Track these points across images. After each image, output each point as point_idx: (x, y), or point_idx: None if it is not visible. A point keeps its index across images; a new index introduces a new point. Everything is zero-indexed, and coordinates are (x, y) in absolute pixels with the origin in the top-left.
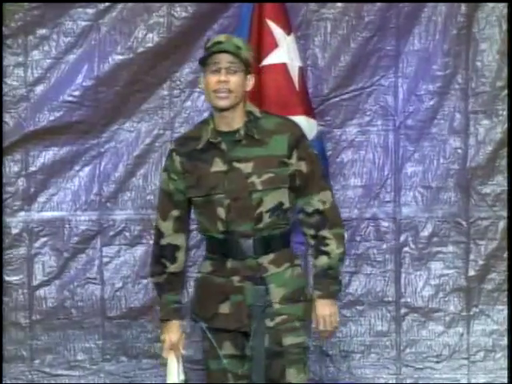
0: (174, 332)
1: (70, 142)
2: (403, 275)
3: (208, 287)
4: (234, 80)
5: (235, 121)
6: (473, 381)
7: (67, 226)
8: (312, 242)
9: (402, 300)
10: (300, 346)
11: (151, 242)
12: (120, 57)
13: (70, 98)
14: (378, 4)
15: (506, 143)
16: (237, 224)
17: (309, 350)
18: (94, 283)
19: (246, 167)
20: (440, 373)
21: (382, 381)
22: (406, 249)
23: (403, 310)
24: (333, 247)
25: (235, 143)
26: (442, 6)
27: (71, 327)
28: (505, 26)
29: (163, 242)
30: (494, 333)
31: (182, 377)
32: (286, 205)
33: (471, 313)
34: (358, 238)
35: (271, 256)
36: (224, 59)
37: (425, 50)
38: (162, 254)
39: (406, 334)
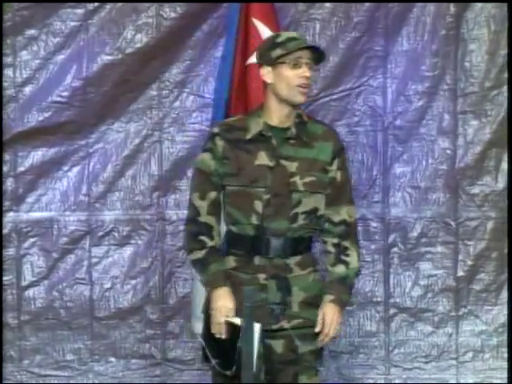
0: (228, 298)
1: (59, 142)
2: (392, 275)
3: (232, 283)
4: (311, 76)
5: (289, 118)
6: (461, 381)
7: (56, 226)
8: (332, 249)
9: (391, 300)
10: (313, 352)
11: (139, 242)
12: (109, 57)
13: (59, 99)
14: (367, 4)
15: (495, 144)
16: (271, 220)
17: (322, 356)
18: (82, 283)
19: (291, 166)
20: (429, 373)
21: (371, 381)
22: (395, 249)
23: (392, 311)
24: (353, 259)
25: (285, 140)
26: (431, 7)
27: (60, 328)
28: (493, 27)
29: (201, 219)
30: (483, 333)
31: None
32: (321, 211)
33: (460, 313)
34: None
35: (298, 258)
36: (305, 55)
37: (413, 50)
38: (201, 230)
39: (395, 334)
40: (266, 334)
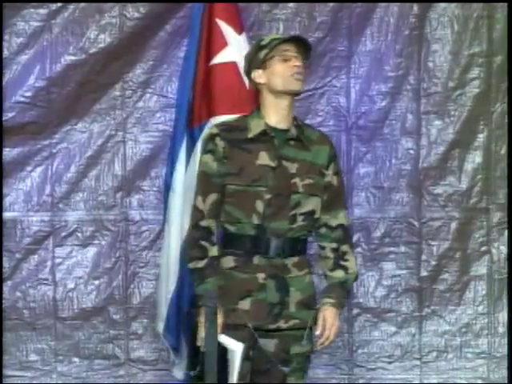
0: (219, 317)
1: (22, 142)
2: None
3: (229, 283)
4: (302, 67)
5: (287, 119)
6: (425, 381)
7: (19, 226)
8: (331, 255)
9: (355, 300)
10: (304, 355)
11: (103, 242)
12: (72, 57)
13: (22, 99)
14: (330, 5)
15: (459, 144)
16: (272, 220)
17: (311, 358)
18: (46, 284)
19: (292, 167)
20: (392, 373)
21: (335, 381)
22: (359, 249)
23: (355, 311)
24: (352, 264)
25: (286, 141)
26: (394, 7)
27: (23, 328)
28: (456, 27)
29: (204, 223)
30: (446, 333)
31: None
32: (317, 214)
33: (423, 313)
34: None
35: (296, 259)
36: (292, 48)
37: (377, 50)
38: (203, 236)
39: (359, 334)
40: (261, 333)
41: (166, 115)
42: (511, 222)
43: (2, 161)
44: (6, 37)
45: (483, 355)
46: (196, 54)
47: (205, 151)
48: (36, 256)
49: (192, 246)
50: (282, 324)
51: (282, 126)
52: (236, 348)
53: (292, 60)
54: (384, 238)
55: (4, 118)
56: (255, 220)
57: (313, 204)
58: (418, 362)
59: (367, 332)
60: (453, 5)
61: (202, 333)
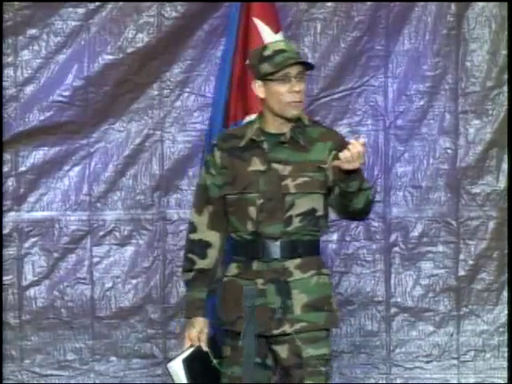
0: (194, 328)
1: (60, 141)
2: (393, 275)
3: (233, 290)
4: (303, 88)
5: (285, 124)
6: (463, 381)
7: (57, 225)
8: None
9: (392, 300)
10: (320, 357)
11: (141, 241)
12: (110, 57)
13: (60, 98)
14: (368, 4)
15: (496, 143)
16: (266, 225)
17: (331, 362)
18: (83, 283)
19: (284, 169)
20: (430, 373)
21: (372, 381)
22: (396, 249)
23: (393, 310)
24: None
25: (278, 144)
26: (432, 6)
27: (61, 327)
28: (494, 26)
29: (194, 236)
30: (484, 333)
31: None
32: (320, 212)
33: (461, 313)
34: (348, 238)
35: (298, 261)
36: (295, 68)
37: (415, 49)
38: (192, 249)
39: (396, 333)
40: (269, 339)
41: (203, 114)
42: (511, 223)
43: (1, 162)
44: (43, 36)
45: None
46: (233, 54)
47: (203, 163)
48: (74, 255)
49: (183, 258)
50: (287, 328)
51: (279, 130)
52: (174, 364)
53: (292, 81)
54: (422, 237)
55: (42, 118)
56: (250, 227)
57: (311, 202)
58: (455, 362)
59: (405, 331)
60: (491, 4)
61: (186, 344)
